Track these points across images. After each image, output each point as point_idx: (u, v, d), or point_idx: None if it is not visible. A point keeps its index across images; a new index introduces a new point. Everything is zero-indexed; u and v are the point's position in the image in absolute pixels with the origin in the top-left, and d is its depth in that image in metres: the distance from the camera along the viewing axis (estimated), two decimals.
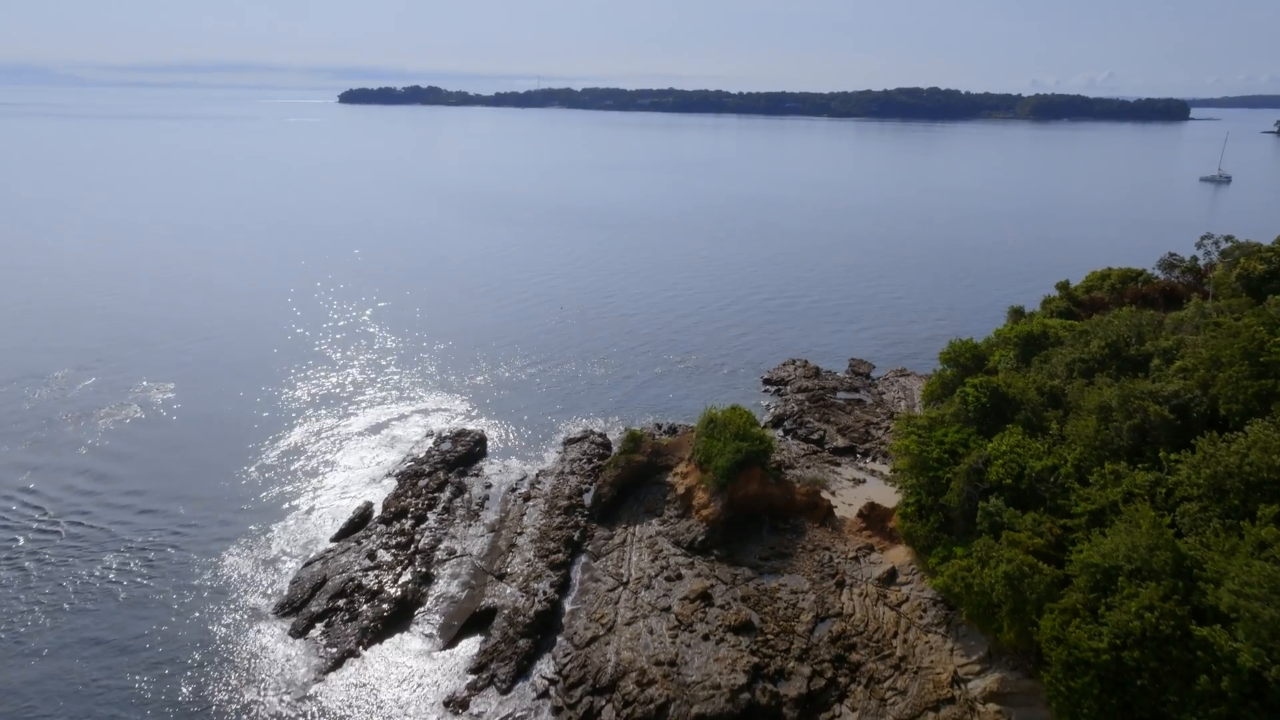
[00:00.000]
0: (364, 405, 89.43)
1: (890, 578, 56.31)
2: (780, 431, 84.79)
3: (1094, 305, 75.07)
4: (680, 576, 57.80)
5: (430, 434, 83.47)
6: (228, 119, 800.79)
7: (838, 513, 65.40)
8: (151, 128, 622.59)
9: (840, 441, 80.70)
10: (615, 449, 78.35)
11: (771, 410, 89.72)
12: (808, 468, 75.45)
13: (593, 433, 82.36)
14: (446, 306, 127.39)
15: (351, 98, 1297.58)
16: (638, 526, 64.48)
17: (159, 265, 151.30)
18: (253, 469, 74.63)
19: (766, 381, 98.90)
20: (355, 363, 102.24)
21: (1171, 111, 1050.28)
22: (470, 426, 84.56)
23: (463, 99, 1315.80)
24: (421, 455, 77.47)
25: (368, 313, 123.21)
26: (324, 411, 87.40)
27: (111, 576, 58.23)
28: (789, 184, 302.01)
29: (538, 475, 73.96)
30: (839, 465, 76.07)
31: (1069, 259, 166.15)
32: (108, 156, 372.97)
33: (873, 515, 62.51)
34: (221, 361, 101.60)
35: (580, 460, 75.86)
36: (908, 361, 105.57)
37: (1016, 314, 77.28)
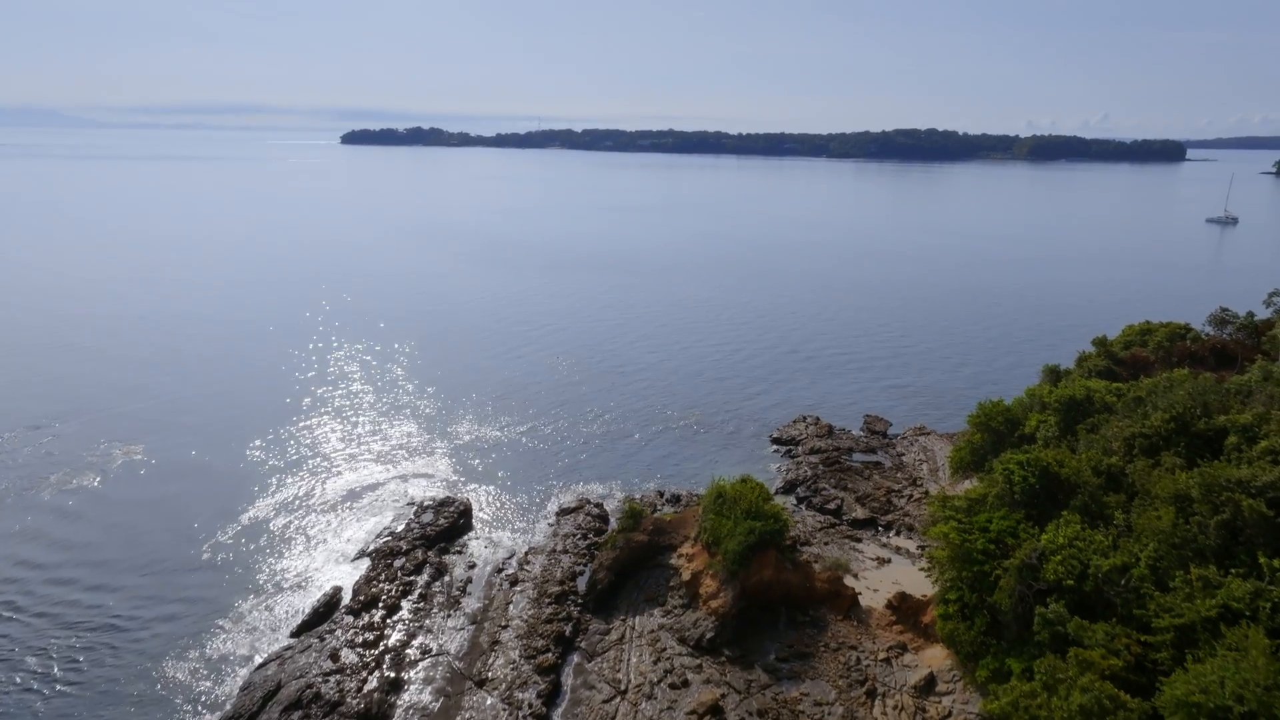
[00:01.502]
0: (340, 469, 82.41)
1: (928, 686, 48.92)
2: (793, 499, 77.73)
3: (1137, 364, 68.67)
4: (687, 683, 50.34)
5: (411, 502, 76.37)
6: (229, 159, 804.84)
7: (863, 601, 58.12)
8: (151, 168, 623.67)
9: (860, 512, 73.58)
10: (613, 522, 71.35)
11: (782, 474, 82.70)
12: (825, 544, 68.29)
13: (588, 502, 75.28)
14: (433, 357, 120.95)
15: (353, 139, 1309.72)
16: (638, 618, 57.11)
17: (136, 313, 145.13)
18: (212, 547, 67.37)
19: (775, 441, 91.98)
20: (334, 420, 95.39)
21: (1168, 152, 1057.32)
22: (455, 493, 77.50)
23: (464, 140, 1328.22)
24: (400, 529, 70.25)
25: (352, 365, 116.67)
26: (297, 477, 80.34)
27: (34, 685, 50.75)
28: (791, 225, 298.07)
29: (527, 553, 66.74)
30: (860, 541, 68.85)
31: (1089, 305, 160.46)
32: (102, 198, 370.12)
33: (904, 607, 55.24)
34: (194, 418, 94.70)
35: (574, 535, 68.66)
36: (926, 417, 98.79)
37: (1053, 374, 70.72)
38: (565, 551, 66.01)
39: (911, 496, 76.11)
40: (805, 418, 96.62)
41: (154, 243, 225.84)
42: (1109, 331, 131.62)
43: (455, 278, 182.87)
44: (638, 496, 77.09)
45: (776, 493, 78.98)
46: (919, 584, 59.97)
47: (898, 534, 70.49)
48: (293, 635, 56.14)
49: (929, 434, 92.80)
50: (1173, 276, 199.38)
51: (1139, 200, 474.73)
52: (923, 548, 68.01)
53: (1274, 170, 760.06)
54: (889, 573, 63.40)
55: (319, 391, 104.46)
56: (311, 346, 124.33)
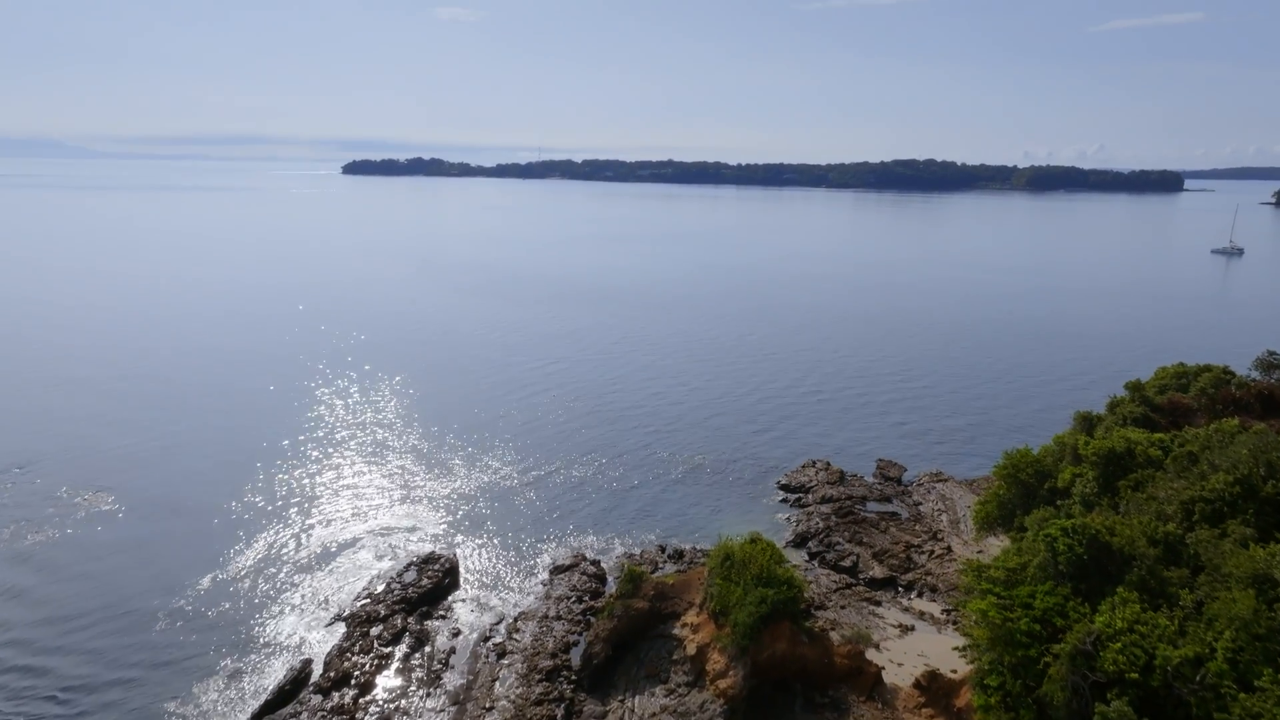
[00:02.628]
0: (319, 519, 76.94)
1: None
2: (805, 554, 72.27)
3: (1176, 411, 63.73)
4: None
5: (393, 558, 70.93)
6: (229, 190, 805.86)
7: (887, 678, 52.50)
8: (151, 199, 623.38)
9: (877, 570, 68.09)
10: (610, 582, 65.89)
11: (792, 526, 77.26)
12: (842, 607, 62.74)
13: (584, 558, 69.76)
14: (424, 394, 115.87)
15: (354, 169, 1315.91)
16: (638, 698, 51.44)
17: (122, 346, 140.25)
18: (173, 610, 61.75)
19: (783, 488, 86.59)
20: (314, 464, 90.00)
21: (1166, 183, 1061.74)
22: (440, 548, 72.02)
23: (464, 170, 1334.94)
24: (380, 589, 64.66)
25: (337, 403, 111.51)
26: (272, 527, 74.86)
27: None
28: (793, 257, 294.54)
29: (517, 619, 61.14)
30: (879, 605, 63.30)
31: (1106, 341, 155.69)
32: (92, 229, 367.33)
33: (934, 688, 49.64)
34: (167, 461, 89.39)
35: (568, 598, 63.09)
36: (942, 462, 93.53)
37: (1085, 421, 65.65)
38: (559, 618, 60.42)
39: (932, 553, 70.65)
40: (815, 462, 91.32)
41: (144, 275, 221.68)
42: (1133, 370, 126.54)
43: (450, 311, 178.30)
44: (637, 552, 71.67)
45: (786, 546, 73.64)
46: (946, 655, 54.48)
47: (919, 595, 65.01)
48: None
49: (946, 480, 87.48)
50: (1186, 309, 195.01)
51: (1141, 231, 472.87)
52: (948, 611, 62.54)
53: (1274, 201, 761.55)
54: (913, 642, 57.84)
55: (301, 431, 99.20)
56: (296, 384, 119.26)
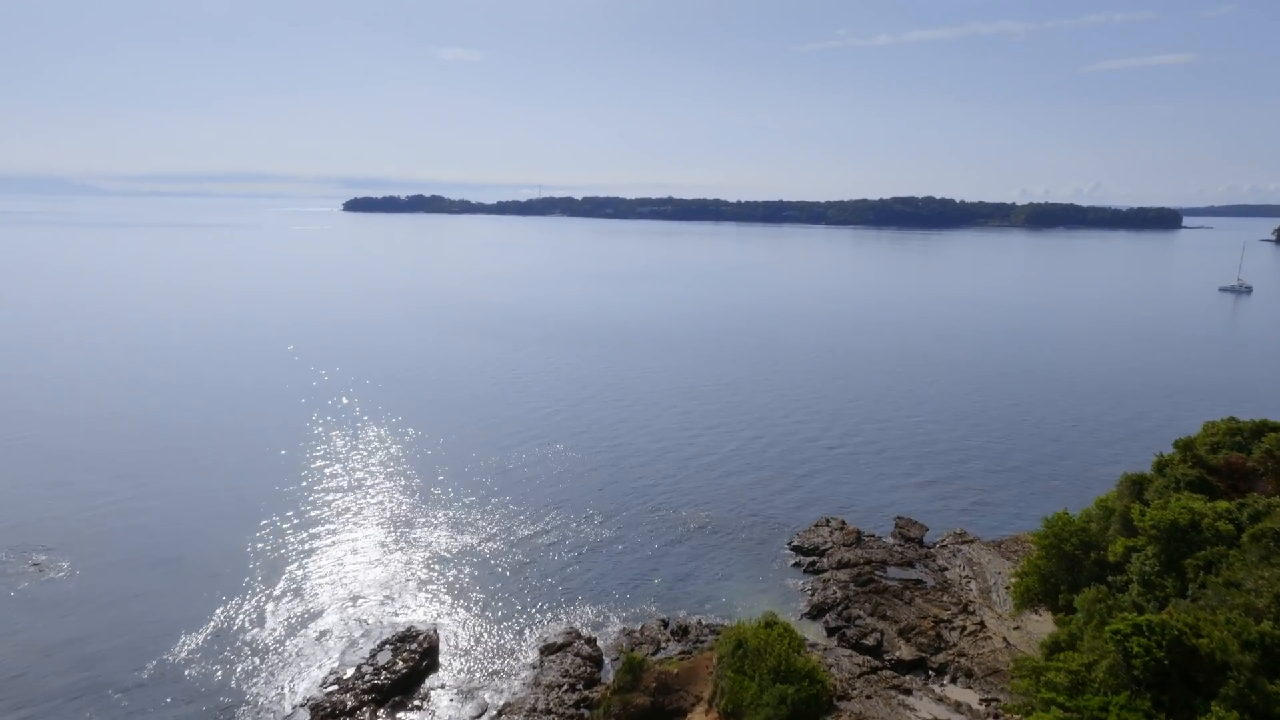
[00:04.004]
0: (284, 591, 70.06)
1: None
2: (822, 628, 65.40)
3: (1235, 474, 57.48)
4: None
5: (366, 633, 64.04)
6: (231, 226, 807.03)
7: None
8: (151, 235, 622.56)
9: (905, 651, 61.12)
10: (607, 666, 58.98)
11: (807, 596, 70.42)
12: (868, 697, 55.66)
13: (578, 636, 62.80)
14: (408, 444, 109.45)
15: (355, 206, 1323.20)
16: None
17: (90, 395, 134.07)
18: (103, 703, 54.73)
19: (796, 549, 79.85)
20: (282, 525, 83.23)
21: (1164, 220, 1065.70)
22: (419, 620, 65.18)
23: (465, 207, 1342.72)
24: (349, 675, 57.67)
25: (314, 454, 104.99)
26: (231, 603, 67.96)
27: None
28: (797, 295, 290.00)
29: (501, 711, 54.11)
30: (909, 694, 56.25)
31: (1132, 385, 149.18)
32: (94, 266, 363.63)
33: None
34: (125, 520, 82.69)
35: (560, 686, 56.09)
36: (965, 520, 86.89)
37: (1134, 485, 59.25)
38: (549, 711, 53.39)
39: (964, 629, 63.72)
40: (829, 521, 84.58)
41: (134, 310, 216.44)
42: (1165, 418, 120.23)
43: (443, 353, 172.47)
44: (637, 627, 64.75)
45: (802, 618, 66.88)
46: None
47: (953, 681, 58.00)
48: None
49: (971, 542, 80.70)
50: (1204, 350, 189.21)
51: (1146, 268, 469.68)
52: (987, 702, 55.56)
53: (1274, 238, 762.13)
54: None
55: (271, 484, 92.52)
56: (271, 429, 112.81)
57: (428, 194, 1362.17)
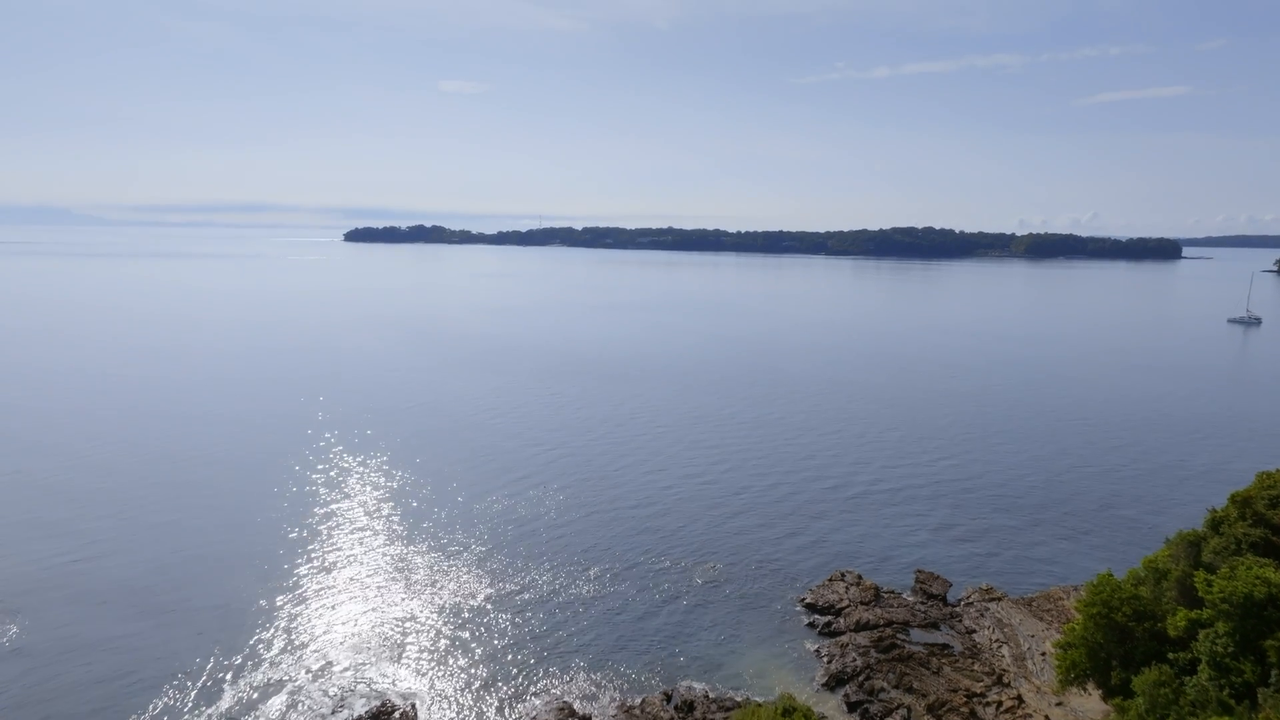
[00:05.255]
0: (253, 652, 63.83)
1: None
2: (841, 703, 59.09)
3: None
4: None
5: (338, 703, 57.80)
6: (233, 257, 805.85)
7: None
8: (150, 266, 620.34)
9: None
10: None
11: (825, 663, 64.14)
12: None
13: (571, 713, 56.53)
14: (392, 489, 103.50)
15: (356, 236, 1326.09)
16: None
17: (73, 427, 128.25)
18: None
19: (810, 607, 73.62)
20: (251, 578, 77.09)
21: (1164, 250, 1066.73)
22: (397, 692, 58.96)
23: (466, 237, 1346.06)
24: None
25: (292, 497, 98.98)
26: (199, 663, 61.72)
27: None
28: (801, 326, 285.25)
29: None
30: None
31: (1150, 420, 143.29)
32: (92, 295, 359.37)
33: None
34: (91, 579, 76.61)
35: None
36: (990, 573, 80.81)
37: (1190, 546, 53.40)
38: None
39: (1000, 704, 57.43)
40: (844, 575, 78.46)
41: (126, 342, 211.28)
42: (1200, 459, 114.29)
43: (438, 387, 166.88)
44: (636, 701, 58.48)
45: (819, 689, 60.68)
46: None
47: None
48: None
49: (999, 599, 74.53)
50: (1225, 385, 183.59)
51: (1151, 298, 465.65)
52: None
53: (1275, 268, 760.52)
54: None
55: (244, 532, 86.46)
56: (248, 468, 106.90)
57: (428, 224, 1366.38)
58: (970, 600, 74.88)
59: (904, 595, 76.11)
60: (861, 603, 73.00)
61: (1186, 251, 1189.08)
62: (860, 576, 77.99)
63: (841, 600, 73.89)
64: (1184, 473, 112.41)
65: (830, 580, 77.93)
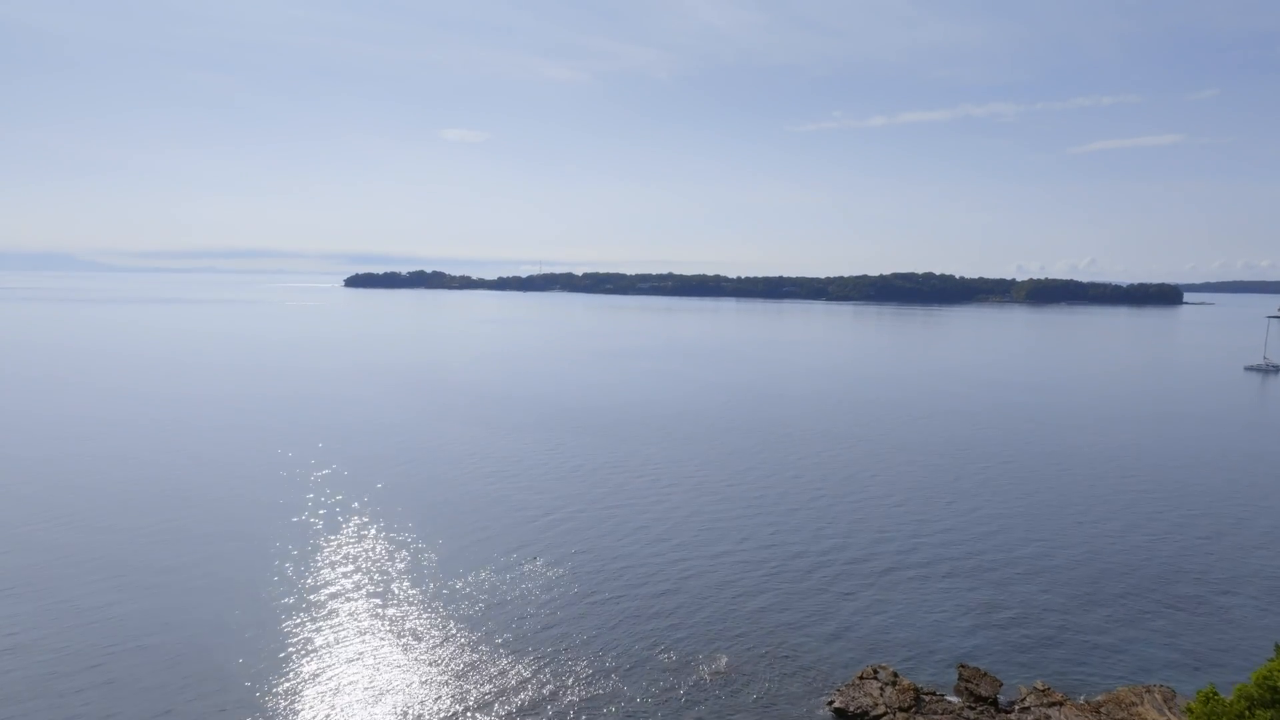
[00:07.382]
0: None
1: None
2: None
3: None
4: None
5: None
6: (229, 302, 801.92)
7: None
8: (143, 311, 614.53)
9: None
10: None
11: None
12: None
13: None
14: (379, 555, 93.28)
15: (356, 282, 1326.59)
16: None
17: (66, 469, 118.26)
18: None
19: (839, 712, 63.25)
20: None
21: (1165, 296, 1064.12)
22: None
23: (466, 283, 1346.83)
24: None
25: (272, 558, 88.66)
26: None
27: None
28: (810, 374, 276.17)
29: None
30: None
31: (1201, 480, 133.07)
32: (78, 345, 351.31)
33: None
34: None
35: None
36: (1047, 668, 70.42)
37: None
38: None
39: None
40: (877, 671, 68.11)
41: (117, 388, 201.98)
42: (1267, 521, 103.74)
43: (427, 441, 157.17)
44: None
45: None
46: None
47: None
48: None
49: (1061, 703, 64.07)
50: (1258, 438, 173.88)
51: (1161, 345, 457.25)
52: None
53: (1278, 314, 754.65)
54: None
55: (221, 596, 76.13)
56: (228, 524, 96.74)
57: (429, 270, 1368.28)
58: (1025, 703, 64.41)
59: (948, 697, 65.69)
60: (900, 708, 62.63)
61: (1187, 297, 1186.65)
62: (896, 674, 67.61)
63: (876, 705, 63.45)
64: (1241, 538, 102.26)
65: (861, 678, 67.53)
